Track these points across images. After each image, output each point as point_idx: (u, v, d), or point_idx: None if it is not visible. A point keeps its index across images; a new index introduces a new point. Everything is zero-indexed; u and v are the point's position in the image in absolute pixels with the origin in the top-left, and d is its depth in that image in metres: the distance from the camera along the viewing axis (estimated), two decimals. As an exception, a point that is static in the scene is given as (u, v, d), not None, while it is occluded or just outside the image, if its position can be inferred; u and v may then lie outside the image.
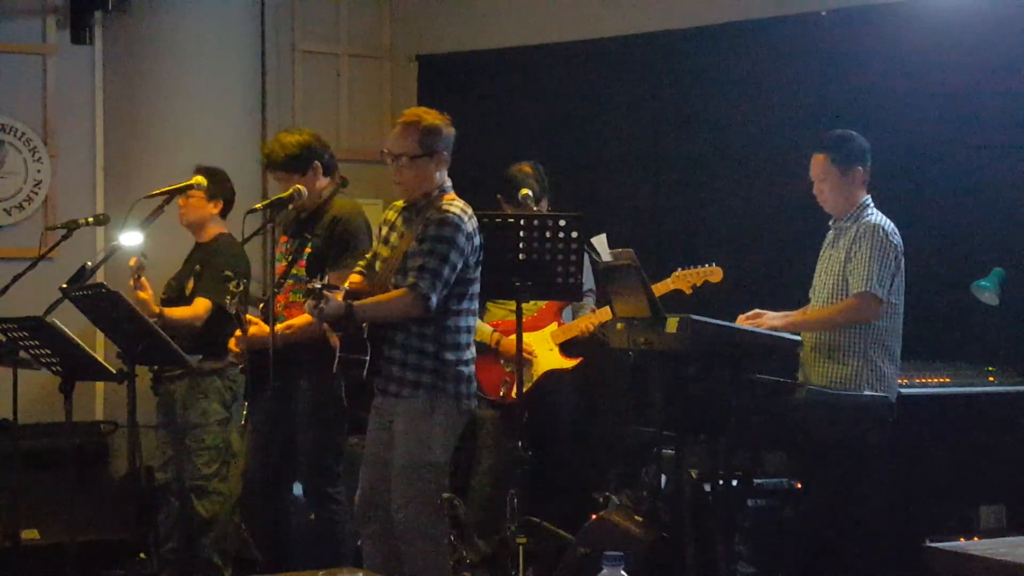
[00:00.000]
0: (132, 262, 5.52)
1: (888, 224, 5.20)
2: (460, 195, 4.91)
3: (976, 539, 4.84)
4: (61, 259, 6.08)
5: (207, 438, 5.81)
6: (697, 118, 6.97)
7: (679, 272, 5.80)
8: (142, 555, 5.71)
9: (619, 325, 5.40)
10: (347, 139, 7.95)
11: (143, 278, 5.53)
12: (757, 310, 5.25)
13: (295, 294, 5.27)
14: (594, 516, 5.40)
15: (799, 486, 5.44)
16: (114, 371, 5.26)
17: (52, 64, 7.34)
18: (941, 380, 5.60)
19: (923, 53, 6.18)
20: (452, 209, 4.74)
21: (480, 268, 4.85)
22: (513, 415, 5.77)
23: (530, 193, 5.88)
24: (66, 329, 5.09)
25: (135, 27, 7.29)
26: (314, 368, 5.12)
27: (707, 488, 5.20)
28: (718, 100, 6.90)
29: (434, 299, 4.65)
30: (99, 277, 5.53)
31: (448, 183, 4.87)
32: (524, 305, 5.67)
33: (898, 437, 5.23)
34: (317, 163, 5.34)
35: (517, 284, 5.32)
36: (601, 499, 5.52)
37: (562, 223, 5.31)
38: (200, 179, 5.75)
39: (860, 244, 5.14)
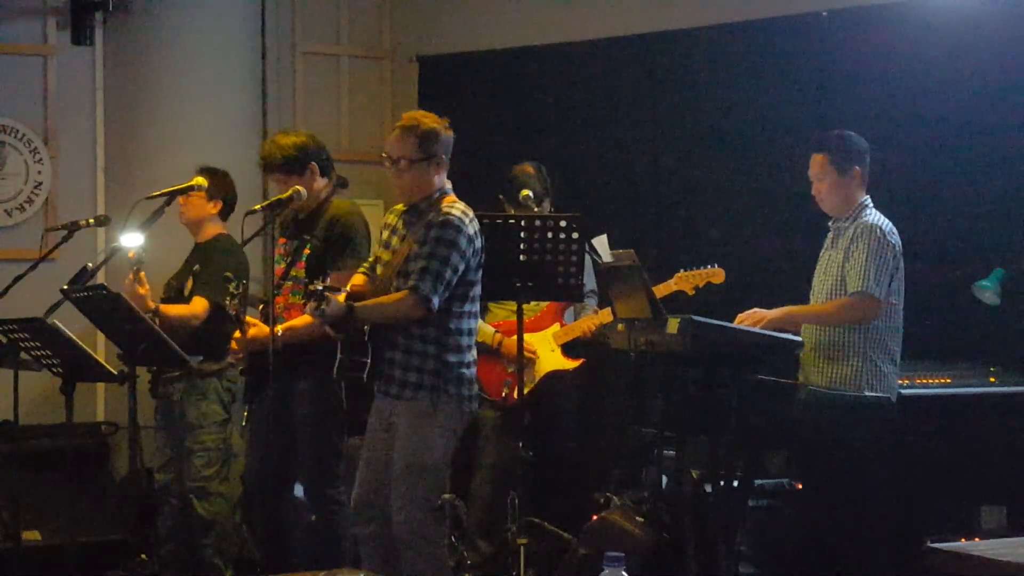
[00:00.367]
0: (131, 255, 5.51)
1: (886, 224, 5.20)
2: (460, 195, 4.91)
3: (977, 540, 4.83)
4: (62, 260, 6.08)
5: (206, 439, 5.80)
6: (697, 118, 6.96)
7: (681, 273, 5.79)
8: (143, 556, 5.71)
9: (620, 326, 5.41)
10: (347, 140, 7.95)
11: (142, 273, 5.53)
12: (756, 309, 5.25)
13: (294, 295, 5.27)
14: (595, 516, 5.39)
15: (799, 486, 5.44)
16: (115, 372, 5.26)
17: (52, 65, 7.34)
18: (941, 380, 5.60)
19: (923, 53, 6.18)
20: (454, 212, 4.74)
21: (481, 270, 4.85)
22: (515, 416, 5.77)
23: (530, 194, 5.88)
24: (67, 330, 5.09)
25: (135, 28, 7.29)
26: (314, 369, 5.12)
27: (708, 488, 5.20)
28: (718, 100, 6.89)
29: (435, 301, 4.65)
30: (100, 278, 5.54)
31: (448, 186, 4.88)
32: (526, 306, 5.68)
33: (898, 437, 5.23)
34: (314, 164, 5.34)
35: (518, 285, 5.32)
36: (602, 499, 5.52)
37: (563, 224, 5.32)
38: (200, 180, 5.75)
39: (857, 244, 5.14)
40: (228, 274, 4.97)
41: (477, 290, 4.85)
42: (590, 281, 6.00)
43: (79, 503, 5.66)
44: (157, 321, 5.47)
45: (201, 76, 7.25)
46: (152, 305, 5.60)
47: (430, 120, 4.83)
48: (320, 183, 5.37)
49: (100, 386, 7.20)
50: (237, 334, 5.15)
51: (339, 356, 4.76)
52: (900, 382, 5.31)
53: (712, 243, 6.68)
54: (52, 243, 5.88)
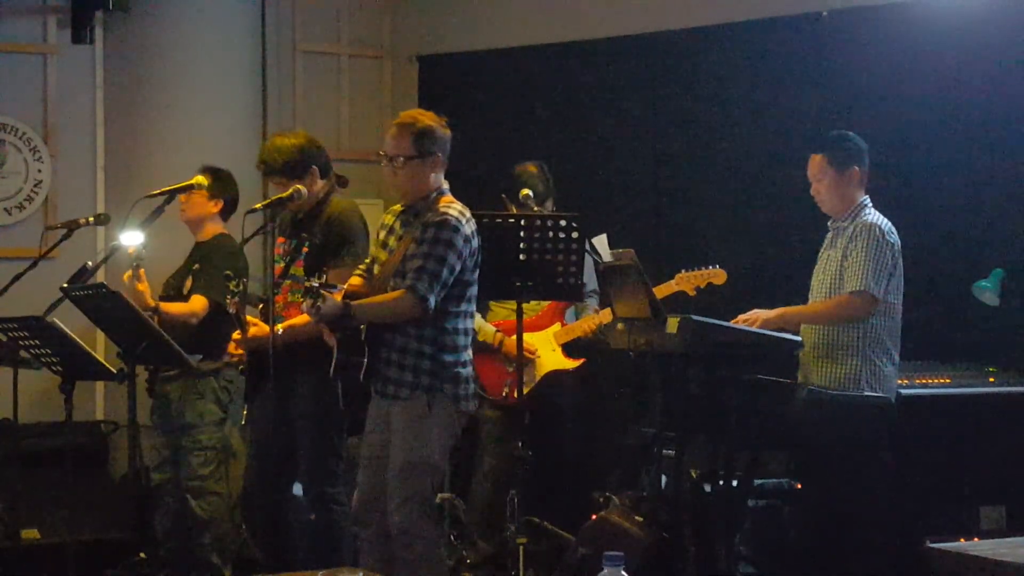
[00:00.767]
0: (131, 251, 5.51)
1: (885, 223, 5.20)
2: (460, 195, 4.90)
3: (976, 540, 4.83)
4: (62, 259, 6.08)
5: (203, 438, 5.80)
6: (697, 118, 6.97)
7: (683, 274, 5.78)
8: (141, 555, 5.71)
9: (620, 325, 5.41)
10: (347, 139, 7.95)
11: (141, 270, 5.52)
12: (755, 310, 5.25)
13: (293, 294, 5.26)
14: (594, 516, 5.39)
15: (799, 486, 5.44)
16: (114, 371, 5.26)
17: (53, 64, 7.34)
18: (941, 380, 5.60)
19: (923, 53, 6.18)
20: (450, 212, 4.74)
21: (478, 270, 4.85)
22: (515, 416, 5.77)
23: (530, 193, 5.87)
24: (66, 329, 5.09)
25: (136, 27, 7.29)
26: (314, 368, 5.12)
27: (707, 488, 5.21)
28: (718, 100, 6.89)
29: (432, 301, 4.65)
30: (100, 277, 5.53)
31: (445, 185, 4.87)
32: (527, 305, 5.68)
33: (898, 437, 5.23)
34: (314, 167, 5.34)
35: (517, 284, 5.32)
36: (601, 499, 5.52)
37: (562, 223, 5.31)
38: (201, 179, 5.74)
39: (856, 243, 5.14)
40: (228, 272, 4.96)
41: (474, 290, 4.85)
42: (591, 281, 6.00)
43: (78, 502, 5.66)
44: (156, 319, 5.46)
45: (201, 75, 7.25)
46: (152, 303, 5.59)
47: (427, 118, 4.82)
48: (320, 184, 5.37)
49: (99, 385, 7.21)
50: (237, 334, 5.14)
51: (335, 355, 4.76)
52: (900, 382, 5.32)
53: (712, 243, 6.68)
54: (52, 241, 5.88)
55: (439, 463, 4.80)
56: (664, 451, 5.45)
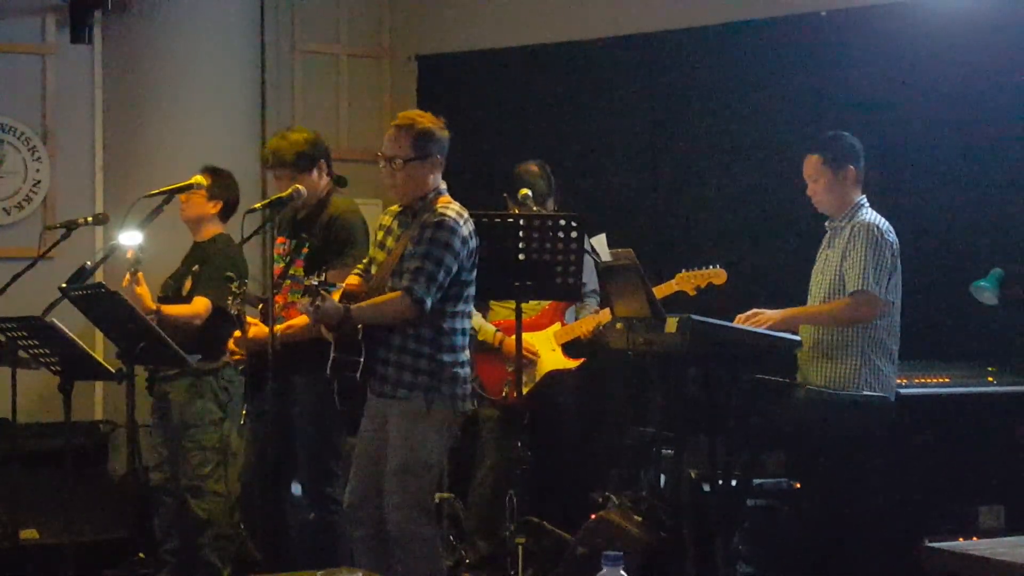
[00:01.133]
0: (129, 254, 5.51)
1: (883, 223, 5.20)
2: (459, 195, 4.90)
3: (975, 539, 4.83)
4: (60, 259, 6.08)
5: (202, 438, 5.79)
6: (697, 118, 6.97)
7: (683, 274, 5.77)
8: (141, 555, 5.70)
9: (619, 325, 5.40)
10: (347, 139, 7.95)
11: (140, 273, 5.52)
12: (755, 310, 5.25)
13: (293, 294, 5.26)
14: (593, 516, 5.39)
15: (798, 486, 5.43)
16: (113, 371, 5.25)
17: (51, 64, 7.34)
18: (940, 380, 5.60)
19: (923, 53, 6.18)
20: (448, 212, 4.74)
21: (476, 271, 4.84)
22: (515, 415, 5.77)
23: (529, 193, 5.87)
24: (65, 329, 5.08)
25: (134, 26, 7.29)
26: (313, 368, 5.11)
27: (706, 488, 5.20)
28: (718, 100, 6.90)
29: (429, 302, 4.65)
30: (98, 277, 5.52)
31: (443, 186, 4.87)
32: (528, 305, 5.67)
33: (897, 437, 5.23)
34: (323, 161, 5.35)
35: (516, 284, 5.31)
36: (600, 499, 5.52)
37: (562, 223, 5.31)
38: (200, 178, 5.74)
39: (855, 243, 5.14)
40: (229, 274, 4.96)
41: (471, 290, 4.85)
42: (591, 281, 6.00)
43: (77, 502, 5.65)
44: (155, 320, 5.46)
45: (200, 74, 7.25)
46: (153, 306, 5.60)
47: (426, 119, 4.82)
48: (324, 181, 5.37)
49: (98, 385, 7.21)
50: (237, 333, 5.14)
51: (332, 355, 4.75)
52: (899, 381, 5.31)
53: (711, 243, 6.68)
54: (50, 241, 5.88)
55: (437, 464, 4.81)
56: (663, 451, 5.45)
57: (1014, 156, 5.99)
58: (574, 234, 5.28)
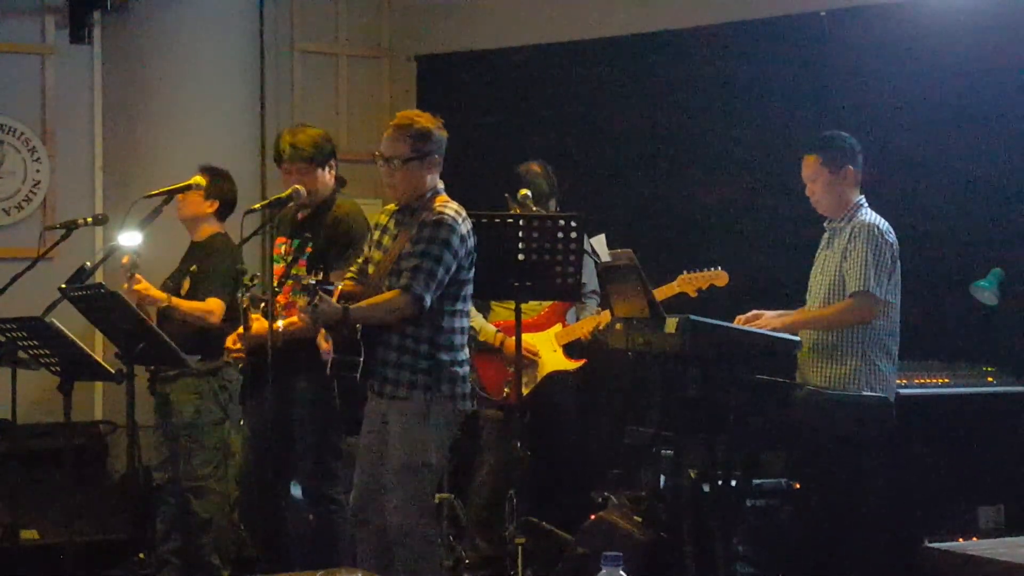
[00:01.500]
0: (125, 260, 5.51)
1: (882, 223, 5.20)
2: (459, 195, 4.90)
3: (975, 539, 4.84)
4: (60, 259, 6.08)
5: (203, 438, 5.80)
6: (697, 118, 6.97)
7: (684, 275, 5.76)
8: (141, 555, 5.71)
9: (618, 325, 5.40)
10: (346, 139, 7.93)
11: (136, 274, 5.52)
12: (756, 311, 5.25)
13: (294, 294, 5.26)
14: (593, 516, 5.39)
15: (798, 486, 5.43)
16: (113, 371, 5.26)
17: (51, 64, 7.34)
18: (940, 380, 5.60)
19: (923, 53, 6.18)
20: (447, 211, 4.74)
21: (474, 269, 4.84)
22: (515, 416, 5.77)
23: (528, 193, 5.86)
24: (65, 329, 5.09)
25: (134, 27, 7.30)
26: (312, 368, 5.12)
27: (706, 488, 5.20)
28: (718, 100, 6.89)
29: (428, 299, 4.65)
30: (98, 277, 5.52)
31: (440, 185, 4.87)
32: (529, 305, 5.66)
33: (897, 437, 5.23)
34: (333, 160, 5.37)
35: (516, 284, 5.31)
36: (600, 499, 5.52)
37: (562, 223, 5.30)
38: (199, 179, 5.74)
39: (855, 244, 5.14)
40: (242, 267, 4.96)
41: (469, 289, 4.85)
42: (592, 281, 5.99)
43: (77, 502, 5.65)
44: (154, 316, 5.46)
45: (199, 75, 7.25)
46: (163, 296, 5.58)
47: (424, 119, 4.82)
48: (331, 179, 5.38)
49: (98, 385, 7.21)
50: (240, 330, 5.14)
51: (332, 355, 4.75)
52: (898, 382, 5.31)
53: (711, 243, 6.68)
54: (50, 242, 5.88)
55: (437, 463, 4.81)
56: (663, 451, 5.45)
57: (1014, 156, 5.99)
58: (574, 234, 5.27)
